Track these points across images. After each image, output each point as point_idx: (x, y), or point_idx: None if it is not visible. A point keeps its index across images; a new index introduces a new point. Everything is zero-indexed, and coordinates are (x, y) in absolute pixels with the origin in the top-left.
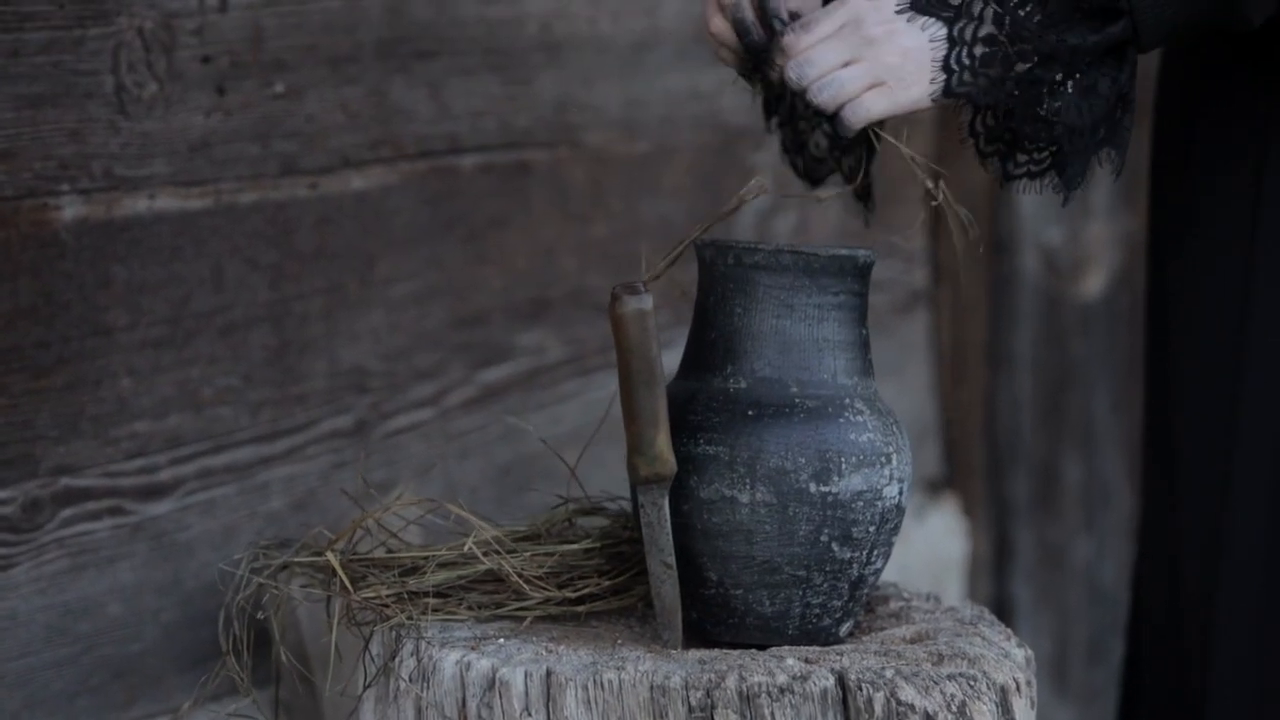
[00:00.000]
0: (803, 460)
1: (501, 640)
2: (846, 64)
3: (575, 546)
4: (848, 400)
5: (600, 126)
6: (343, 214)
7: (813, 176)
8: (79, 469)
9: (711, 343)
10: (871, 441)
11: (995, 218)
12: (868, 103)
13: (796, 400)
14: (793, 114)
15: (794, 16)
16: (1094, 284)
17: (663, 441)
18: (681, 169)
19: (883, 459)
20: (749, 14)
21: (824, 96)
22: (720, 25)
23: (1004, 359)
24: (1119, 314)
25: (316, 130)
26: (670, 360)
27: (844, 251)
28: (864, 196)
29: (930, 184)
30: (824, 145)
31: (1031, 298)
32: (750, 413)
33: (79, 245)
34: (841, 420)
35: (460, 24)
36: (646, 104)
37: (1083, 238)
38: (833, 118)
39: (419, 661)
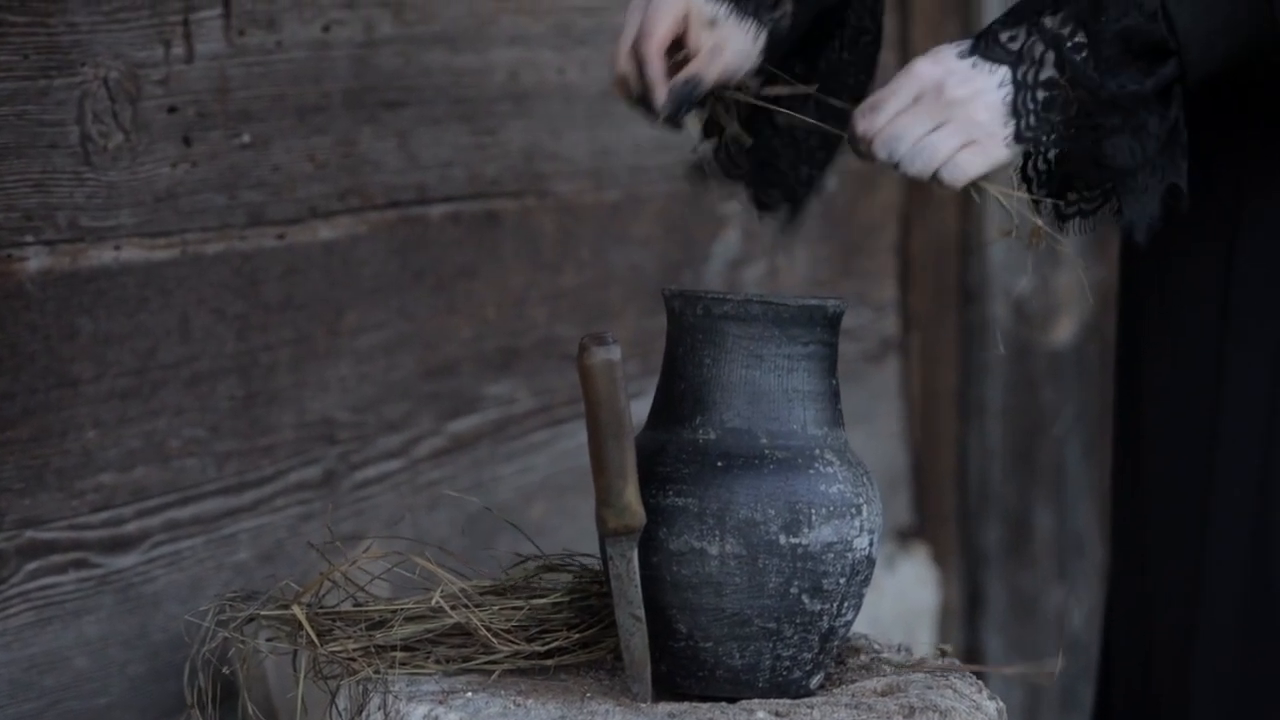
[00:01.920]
0: (772, 512)
1: (469, 694)
2: (933, 130)
3: (544, 600)
4: (818, 451)
5: (569, 176)
6: (310, 264)
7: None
8: (44, 522)
9: (680, 393)
10: (842, 493)
11: (965, 266)
12: (963, 164)
13: (766, 451)
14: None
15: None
16: (1064, 332)
17: (631, 493)
18: (651, 218)
19: (853, 510)
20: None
21: (917, 166)
22: (627, 68)
23: (975, 407)
24: (1089, 362)
25: (284, 180)
26: (639, 410)
27: (813, 301)
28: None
29: (1039, 224)
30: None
31: (1002, 346)
32: (720, 464)
33: (44, 296)
34: (811, 471)
35: (428, 73)
36: (615, 153)
37: (1052, 286)
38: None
39: (386, 715)
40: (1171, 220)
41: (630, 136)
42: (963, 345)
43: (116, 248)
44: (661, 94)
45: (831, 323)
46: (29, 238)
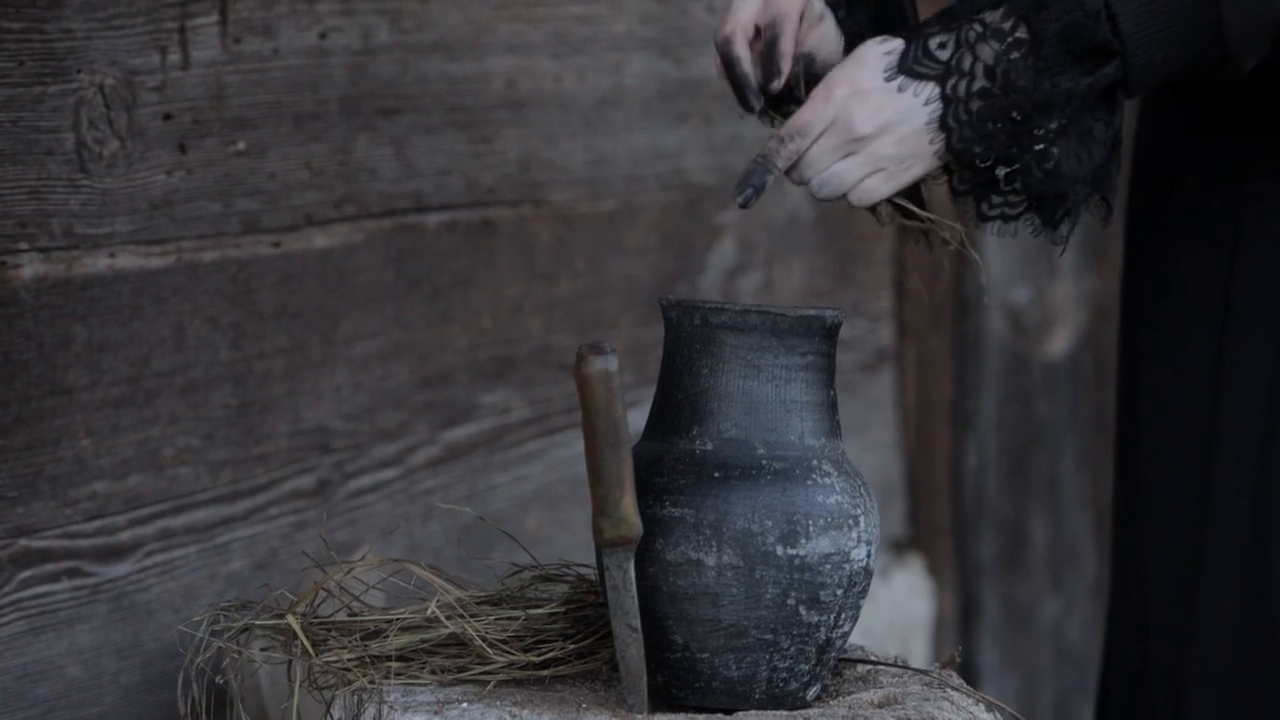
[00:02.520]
0: (770, 523)
1: (465, 704)
2: (841, 158)
3: (540, 610)
4: (815, 462)
5: (565, 184)
6: (306, 272)
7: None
8: (37, 530)
9: (678, 404)
10: (839, 504)
11: (961, 276)
12: (869, 189)
13: (763, 462)
14: None
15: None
16: (1060, 344)
17: (628, 504)
18: (646, 227)
19: (850, 521)
20: (738, 49)
21: (825, 192)
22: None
23: (969, 418)
24: (1084, 373)
25: (279, 188)
26: (635, 420)
27: (811, 312)
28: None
29: (949, 234)
30: None
31: (997, 357)
32: (717, 474)
33: (38, 304)
34: (809, 482)
35: (424, 81)
36: (611, 162)
37: (1049, 297)
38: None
39: None
40: (1171, 226)
41: (626, 146)
42: (958, 356)
43: (111, 255)
44: (786, 64)
45: (829, 333)
46: (23, 245)
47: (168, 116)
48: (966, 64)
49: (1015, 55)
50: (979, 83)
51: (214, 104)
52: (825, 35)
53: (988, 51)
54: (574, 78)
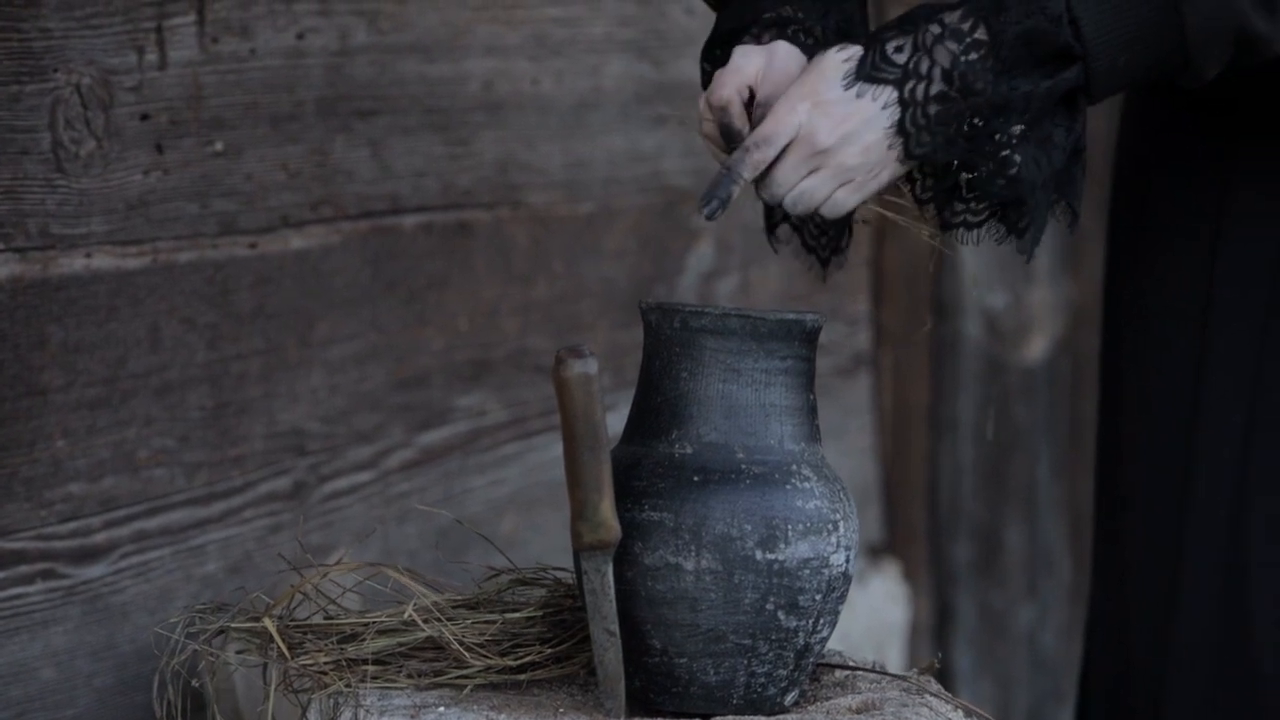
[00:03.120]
0: (749, 527)
1: (442, 709)
2: (808, 175)
3: (517, 614)
4: (795, 466)
5: (542, 187)
6: (282, 274)
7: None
8: (11, 531)
9: (657, 407)
10: (819, 509)
11: (938, 281)
12: (842, 201)
13: (743, 466)
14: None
15: None
16: (1037, 350)
17: (607, 507)
18: (624, 230)
19: (830, 526)
20: (735, 120)
21: (799, 209)
22: (711, 130)
23: (946, 423)
24: (1061, 379)
25: (256, 189)
26: (612, 424)
27: (792, 316)
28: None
29: (928, 235)
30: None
31: (974, 362)
32: (696, 479)
33: (13, 304)
34: (788, 487)
35: (401, 82)
36: (589, 165)
37: (1025, 302)
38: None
39: None
40: (1150, 228)
41: (604, 148)
42: (935, 361)
43: (87, 256)
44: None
45: (809, 337)
46: None
47: (145, 117)
48: (924, 67)
49: (973, 56)
50: (936, 86)
51: (191, 104)
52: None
53: (945, 54)
54: (552, 80)
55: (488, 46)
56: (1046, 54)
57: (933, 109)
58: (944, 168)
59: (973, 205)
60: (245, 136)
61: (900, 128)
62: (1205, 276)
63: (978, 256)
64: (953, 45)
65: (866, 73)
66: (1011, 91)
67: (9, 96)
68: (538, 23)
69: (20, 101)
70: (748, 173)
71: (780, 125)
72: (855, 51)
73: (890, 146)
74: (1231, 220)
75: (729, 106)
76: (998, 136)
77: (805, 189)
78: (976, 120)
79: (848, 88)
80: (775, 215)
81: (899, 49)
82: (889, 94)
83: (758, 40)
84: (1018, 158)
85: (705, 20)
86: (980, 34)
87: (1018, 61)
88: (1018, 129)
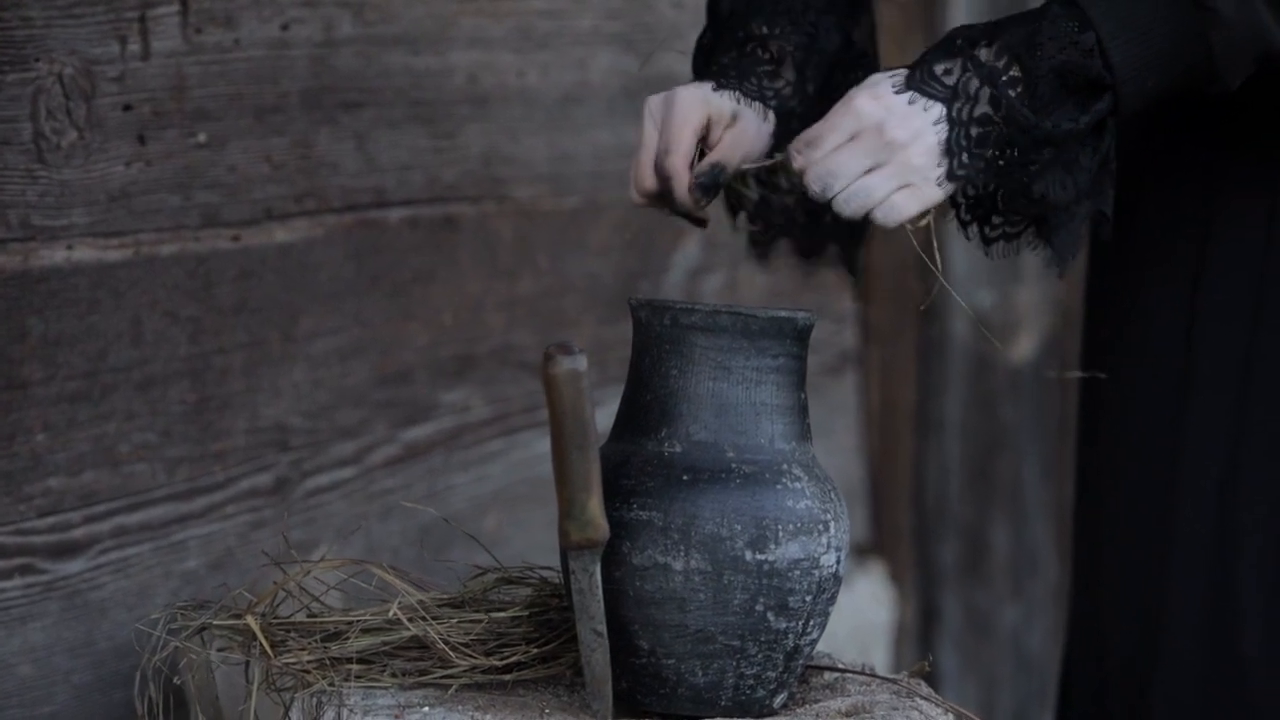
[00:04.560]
0: (738, 527)
1: (426, 709)
2: (870, 170)
3: (503, 614)
4: (785, 466)
5: (528, 181)
6: (265, 267)
7: (808, 254)
8: None
9: (646, 405)
10: (809, 509)
11: (925, 281)
12: (900, 205)
13: (733, 465)
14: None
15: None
16: (1024, 349)
17: (595, 506)
18: (610, 226)
19: (820, 527)
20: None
21: (852, 206)
22: (649, 185)
23: (933, 423)
24: (1049, 379)
25: (239, 181)
26: (601, 421)
27: (783, 313)
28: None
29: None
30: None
31: (961, 361)
32: (685, 477)
33: None
34: (779, 486)
35: (387, 75)
36: (575, 159)
37: (1013, 302)
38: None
39: None
40: (1136, 234)
41: (590, 142)
42: (922, 360)
43: (69, 247)
44: (685, 195)
45: (801, 335)
46: None
47: (127, 107)
48: (971, 89)
49: (1012, 93)
50: (981, 108)
51: (174, 95)
52: (742, 133)
53: (986, 88)
54: (538, 73)
55: (473, 39)
56: (1078, 85)
57: (974, 131)
58: (978, 189)
59: (1009, 217)
60: (229, 128)
61: (947, 147)
62: (1190, 283)
63: (968, 255)
64: (990, 83)
65: (917, 85)
66: (1054, 129)
67: None
68: (523, 15)
69: (1, 91)
70: (796, 162)
71: (833, 125)
72: (902, 71)
73: (939, 164)
74: (1218, 227)
75: (672, 165)
76: (1030, 166)
77: (865, 186)
78: (1012, 148)
79: (899, 93)
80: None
81: (947, 71)
82: (939, 110)
83: (719, 64)
84: (1044, 182)
85: (693, 14)
86: (1015, 71)
87: (1053, 96)
88: (1047, 156)
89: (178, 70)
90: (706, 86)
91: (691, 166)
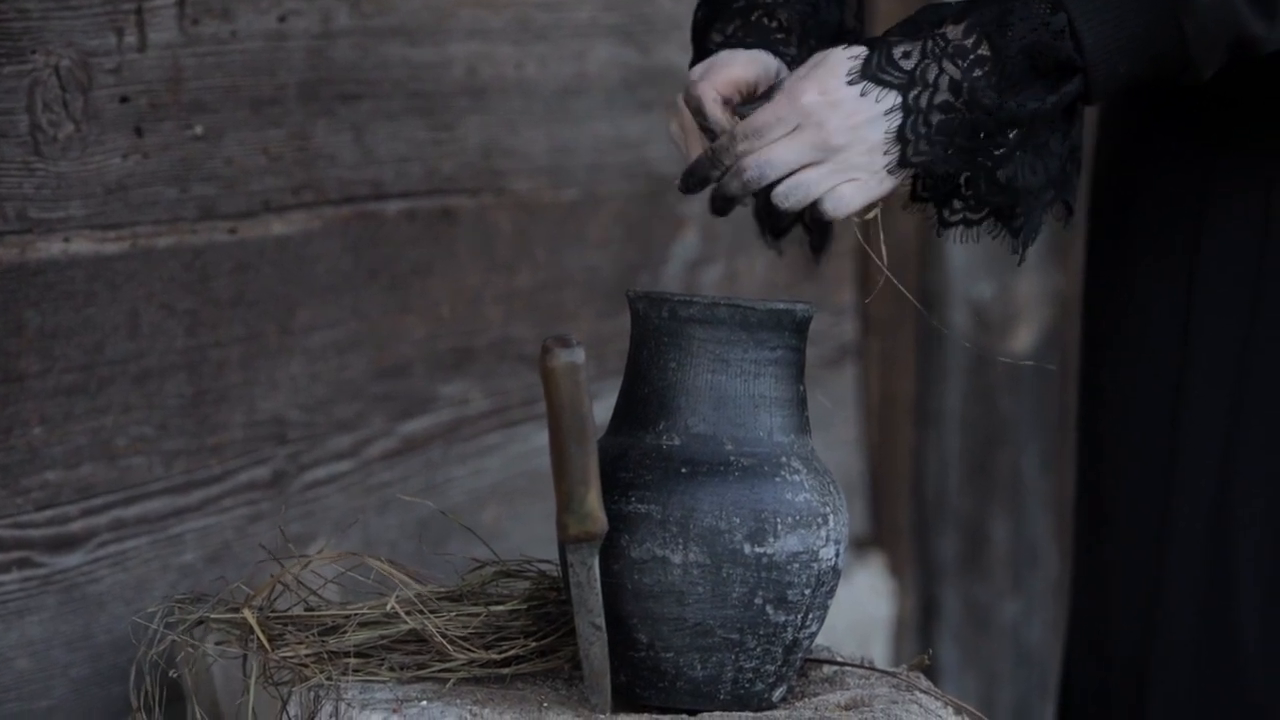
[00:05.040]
0: (737, 520)
1: (424, 702)
2: (809, 166)
3: (501, 607)
4: (784, 459)
5: (526, 173)
6: (263, 260)
7: (776, 227)
8: None
9: (644, 397)
10: (808, 502)
11: (924, 272)
12: (846, 197)
13: (731, 458)
14: None
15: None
16: (1024, 340)
17: (593, 499)
18: (609, 218)
19: (820, 520)
20: (713, 119)
21: (791, 200)
22: (677, 131)
23: (932, 415)
24: (1048, 371)
25: (236, 173)
26: (599, 414)
27: (782, 305)
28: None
29: (882, 265)
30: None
31: (961, 354)
32: (684, 470)
33: None
34: (778, 479)
35: (385, 66)
36: (574, 151)
37: (1013, 294)
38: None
39: None
40: (1133, 228)
41: (589, 134)
42: (921, 352)
43: (65, 240)
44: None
45: (800, 328)
46: None
47: (124, 99)
48: (931, 75)
49: (978, 73)
50: (942, 95)
51: (171, 87)
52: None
53: (951, 67)
54: (536, 65)
55: (471, 30)
56: (1048, 67)
57: (935, 118)
58: (937, 174)
59: (971, 203)
60: (226, 120)
61: (900, 134)
62: (1186, 276)
63: (966, 245)
64: (958, 61)
65: (872, 73)
66: (1019, 109)
67: None
68: (522, 6)
69: None
70: (729, 160)
71: (777, 115)
72: (861, 51)
73: (886, 152)
74: (1213, 221)
75: (703, 104)
76: (996, 152)
77: (802, 181)
78: (978, 132)
79: (852, 84)
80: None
81: (906, 54)
82: (893, 98)
83: (724, 34)
84: (1011, 165)
85: (692, 5)
86: (984, 50)
87: (1021, 77)
88: (1015, 139)
89: (174, 62)
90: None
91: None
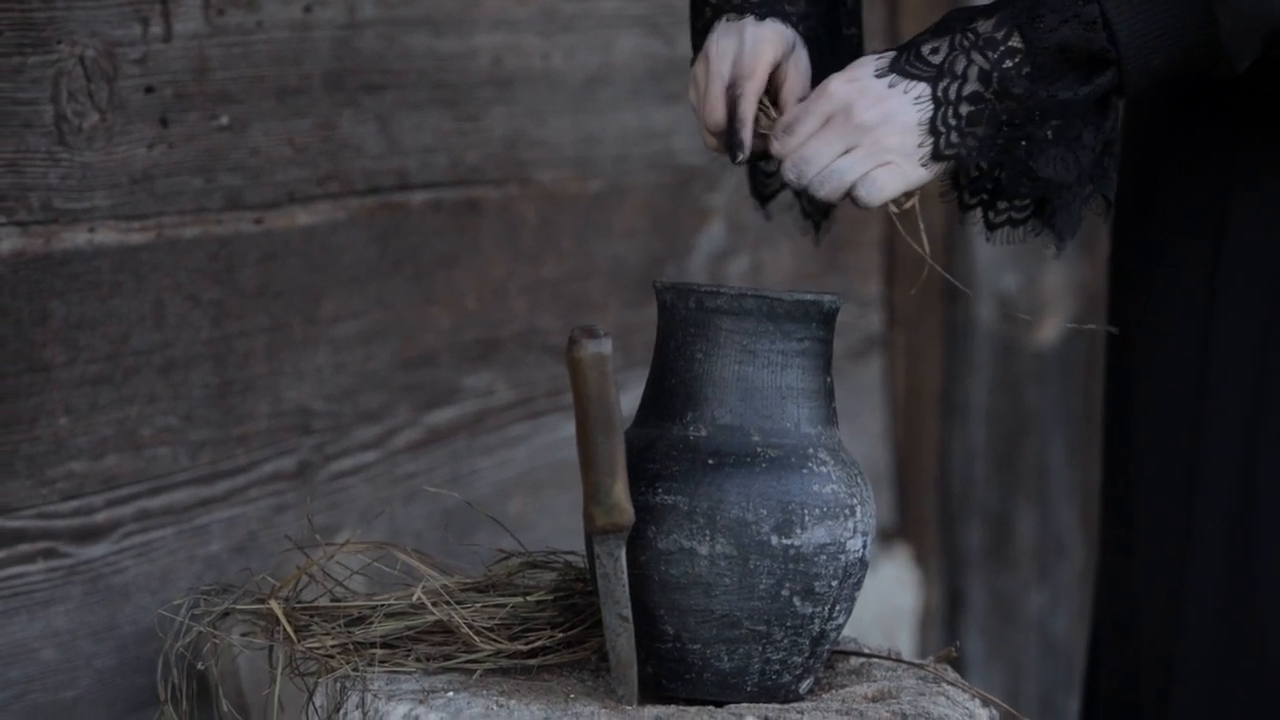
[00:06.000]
0: (764, 512)
1: (450, 693)
2: (844, 153)
3: (528, 598)
4: (811, 450)
5: (552, 164)
6: (288, 250)
7: (762, 193)
8: (13, 510)
9: (671, 389)
10: (835, 493)
11: (951, 264)
12: (880, 181)
13: (758, 449)
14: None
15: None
16: (1049, 332)
17: (620, 490)
18: (634, 209)
19: (847, 511)
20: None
21: (825, 190)
22: (719, 115)
23: (958, 407)
24: (1074, 362)
25: (262, 164)
26: (626, 405)
27: (809, 296)
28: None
29: (925, 254)
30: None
31: (986, 345)
32: (711, 462)
33: (15, 279)
34: (805, 471)
35: (410, 57)
36: (599, 142)
37: (1039, 285)
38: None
39: (365, 715)
40: (1157, 220)
41: (615, 125)
42: (947, 343)
43: (91, 230)
44: (748, 134)
45: (827, 319)
46: (1, 218)
47: (149, 89)
48: (959, 67)
49: (1009, 64)
50: (971, 86)
51: (196, 77)
52: (799, 61)
53: (980, 59)
54: (562, 56)
55: (497, 21)
56: (1081, 59)
57: (964, 109)
58: (971, 169)
59: (1015, 203)
60: (251, 110)
61: (931, 126)
62: (1210, 269)
63: (999, 243)
64: (988, 53)
65: (900, 68)
66: (1050, 99)
67: (11, 68)
68: None
69: (23, 73)
70: (774, 149)
71: (808, 109)
72: (890, 53)
73: (920, 144)
74: (1236, 210)
75: (743, 87)
76: (1024, 142)
77: (836, 170)
78: (1009, 124)
79: (879, 76)
80: (774, 184)
81: (934, 50)
82: (922, 89)
83: (740, 13)
84: (1046, 160)
85: None
86: (1015, 41)
87: (1053, 68)
88: (1048, 133)
89: (200, 52)
90: (767, 22)
91: (762, 101)
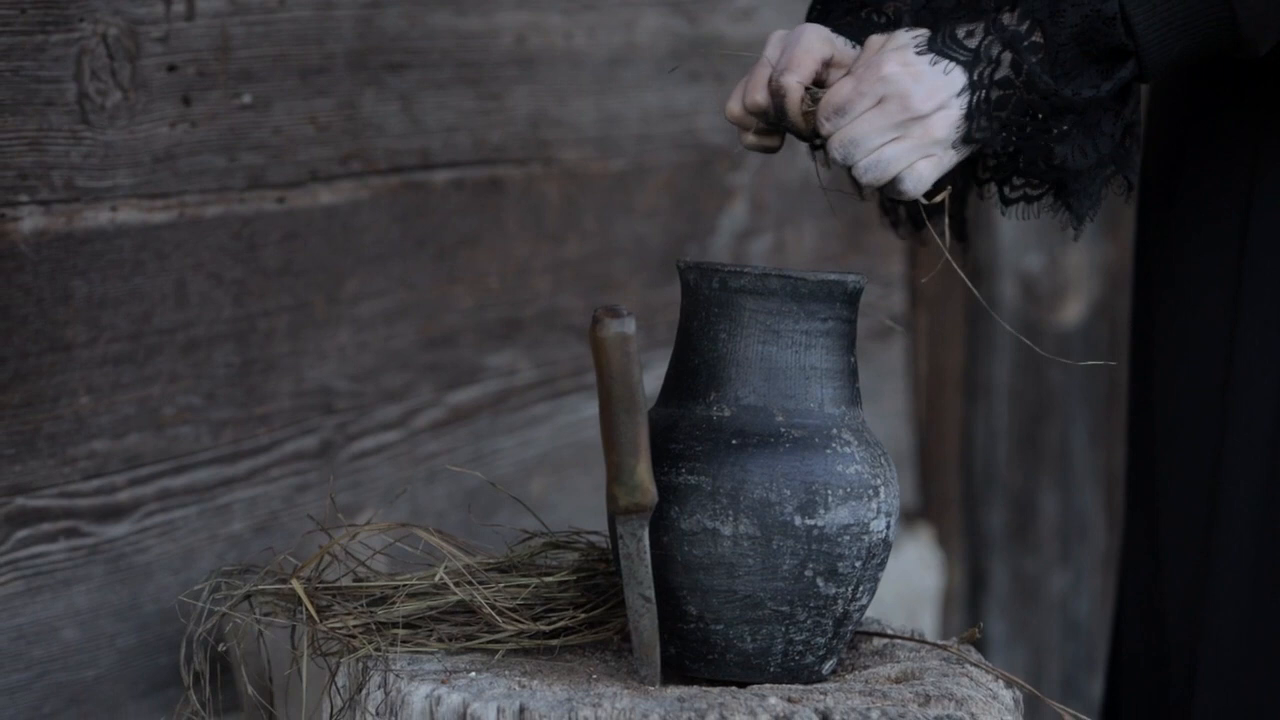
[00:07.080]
0: (788, 492)
1: (473, 674)
2: (891, 141)
3: (550, 579)
4: (835, 430)
5: (575, 143)
6: (311, 229)
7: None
8: (35, 489)
9: (694, 368)
10: (859, 474)
11: (974, 244)
12: (922, 173)
13: (782, 430)
14: None
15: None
16: (1073, 312)
17: (643, 470)
18: (657, 188)
19: (870, 492)
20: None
21: (871, 175)
22: (759, 98)
23: (981, 388)
24: (1098, 343)
25: (284, 143)
26: (649, 384)
27: (833, 276)
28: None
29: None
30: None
31: (1010, 325)
32: (734, 442)
33: (38, 258)
34: (829, 451)
35: (433, 35)
36: (622, 121)
37: (1062, 265)
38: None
39: (387, 695)
40: (1183, 202)
41: (638, 104)
42: (970, 324)
43: (113, 209)
44: (797, 111)
45: (851, 299)
46: (24, 197)
47: (172, 68)
48: (994, 52)
49: (1034, 59)
50: (1003, 71)
51: (219, 56)
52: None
53: (1009, 50)
54: (585, 34)
55: (520, 0)
56: (1100, 52)
57: (994, 94)
58: (996, 152)
59: (1031, 181)
60: (274, 89)
61: (968, 110)
62: (1236, 251)
63: (1014, 217)
64: (1015, 45)
65: (939, 47)
66: (1074, 96)
67: (34, 47)
68: None
69: (45, 52)
70: (823, 129)
71: (860, 90)
72: (923, 31)
73: (957, 129)
74: (1262, 194)
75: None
76: (1050, 132)
77: (885, 156)
78: (1034, 115)
79: (920, 53)
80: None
81: (970, 33)
82: (961, 76)
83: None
84: (1066, 148)
85: None
86: (1037, 37)
87: (1074, 64)
88: (1067, 127)
89: (222, 31)
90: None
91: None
